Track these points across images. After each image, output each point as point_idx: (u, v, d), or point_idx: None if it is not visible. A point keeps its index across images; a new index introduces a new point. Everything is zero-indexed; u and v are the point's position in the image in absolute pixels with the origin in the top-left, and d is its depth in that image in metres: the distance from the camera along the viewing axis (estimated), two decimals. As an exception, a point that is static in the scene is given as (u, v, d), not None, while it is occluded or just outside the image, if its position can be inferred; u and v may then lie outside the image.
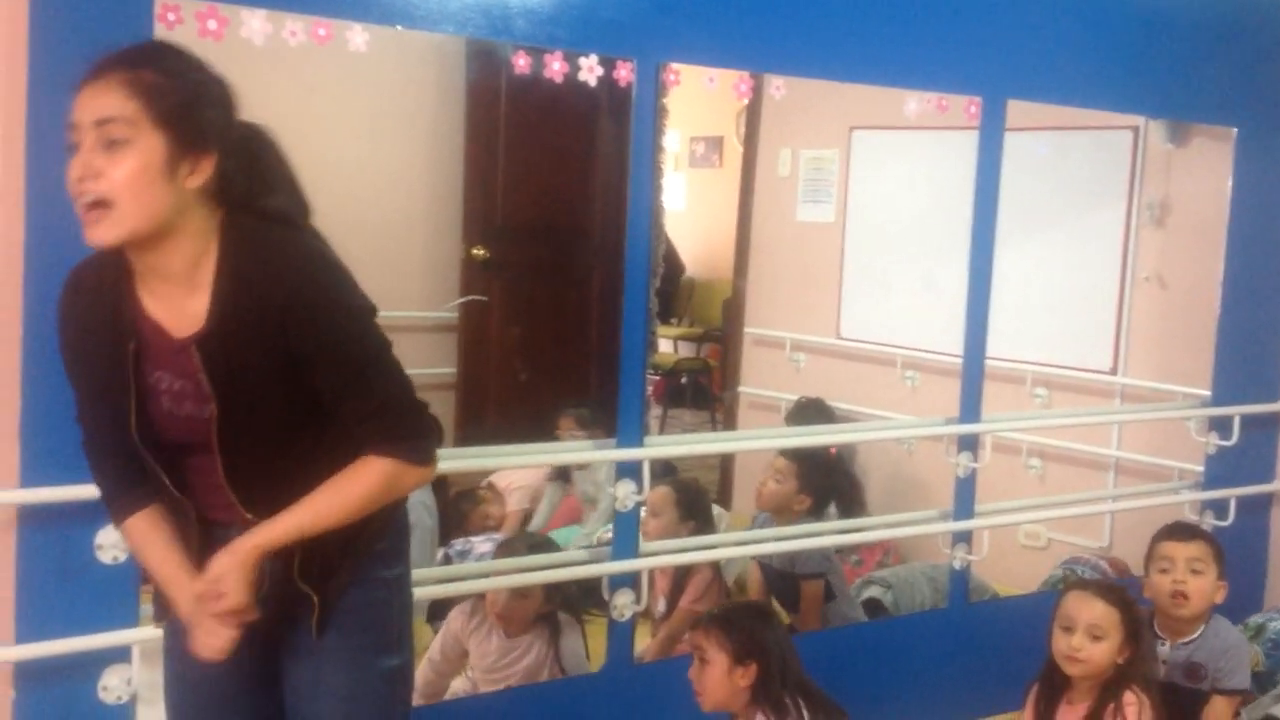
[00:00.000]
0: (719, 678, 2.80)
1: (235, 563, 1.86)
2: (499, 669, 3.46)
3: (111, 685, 2.53)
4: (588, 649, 3.55)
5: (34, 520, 2.44)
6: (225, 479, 1.92)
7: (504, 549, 3.60)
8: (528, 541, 3.65)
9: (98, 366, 1.91)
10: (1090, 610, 2.96)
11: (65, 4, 2.38)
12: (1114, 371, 4.89)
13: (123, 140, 1.76)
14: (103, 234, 1.79)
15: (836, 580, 4.08)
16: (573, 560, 3.27)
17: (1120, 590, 3.09)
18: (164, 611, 2.06)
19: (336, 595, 1.99)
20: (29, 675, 2.47)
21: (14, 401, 2.39)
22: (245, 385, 1.86)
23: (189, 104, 1.80)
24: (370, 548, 2.01)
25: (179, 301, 1.87)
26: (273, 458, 1.91)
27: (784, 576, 4.04)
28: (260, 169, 1.92)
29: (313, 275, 1.86)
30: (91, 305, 1.91)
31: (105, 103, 1.76)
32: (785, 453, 4.14)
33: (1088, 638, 2.94)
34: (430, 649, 3.53)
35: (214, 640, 1.89)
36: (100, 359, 1.90)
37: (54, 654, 2.46)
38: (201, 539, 1.98)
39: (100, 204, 1.77)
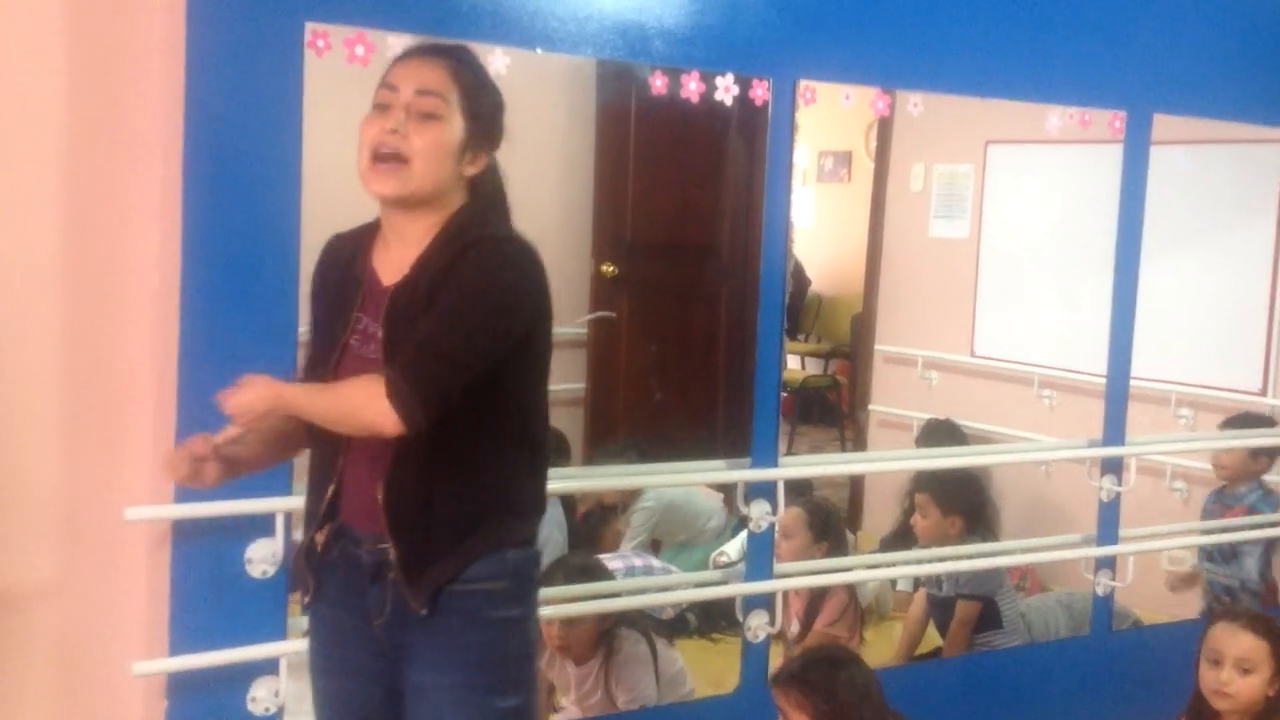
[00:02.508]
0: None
1: (262, 389, 1.92)
2: (583, 699, 3.41)
3: (260, 696, 2.59)
4: (657, 663, 3.43)
5: (187, 535, 2.51)
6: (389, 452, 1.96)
7: (545, 576, 3.50)
8: (564, 568, 3.43)
9: (326, 310, 2.09)
10: (1238, 643, 2.85)
11: (219, 34, 2.45)
12: (1263, 393, 4.72)
13: (435, 115, 1.97)
14: (391, 186, 1.97)
15: (1008, 609, 3.97)
16: (708, 581, 3.26)
17: (1269, 621, 2.97)
18: (303, 584, 2.12)
19: (451, 627, 2.00)
20: (181, 686, 2.54)
21: (170, 420, 2.46)
22: (405, 334, 1.94)
23: (491, 108, 2.06)
24: (482, 584, 2.01)
25: (399, 256, 2.02)
26: (432, 429, 1.91)
27: (944, 601, 3.99)
28: (501, 190, 2.11)
29: (489, 241, 1.98)
30: (334, 262, 2.11)
31: (431, 77, 1.98)
32: (920, 485, 4.08)
33: (1237, 671, 2.84)
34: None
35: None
36: (330, 305, 2.08)
37: (205, 666, 2.53)
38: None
39: (396, 158, 1.95)
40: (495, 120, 2.07)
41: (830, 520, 4.10)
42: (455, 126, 1.99)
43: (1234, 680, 2.84)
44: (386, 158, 1.95)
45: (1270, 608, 4.20)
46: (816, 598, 3.88)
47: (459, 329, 1.92)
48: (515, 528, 2.06)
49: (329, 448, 2.05)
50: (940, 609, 4.04)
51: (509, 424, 2.03)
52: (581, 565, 3.48)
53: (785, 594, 3.28)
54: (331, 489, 2.04)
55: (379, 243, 2.07)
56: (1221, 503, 4.37)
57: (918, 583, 4.26)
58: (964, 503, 4.08)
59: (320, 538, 2.07)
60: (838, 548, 4.05)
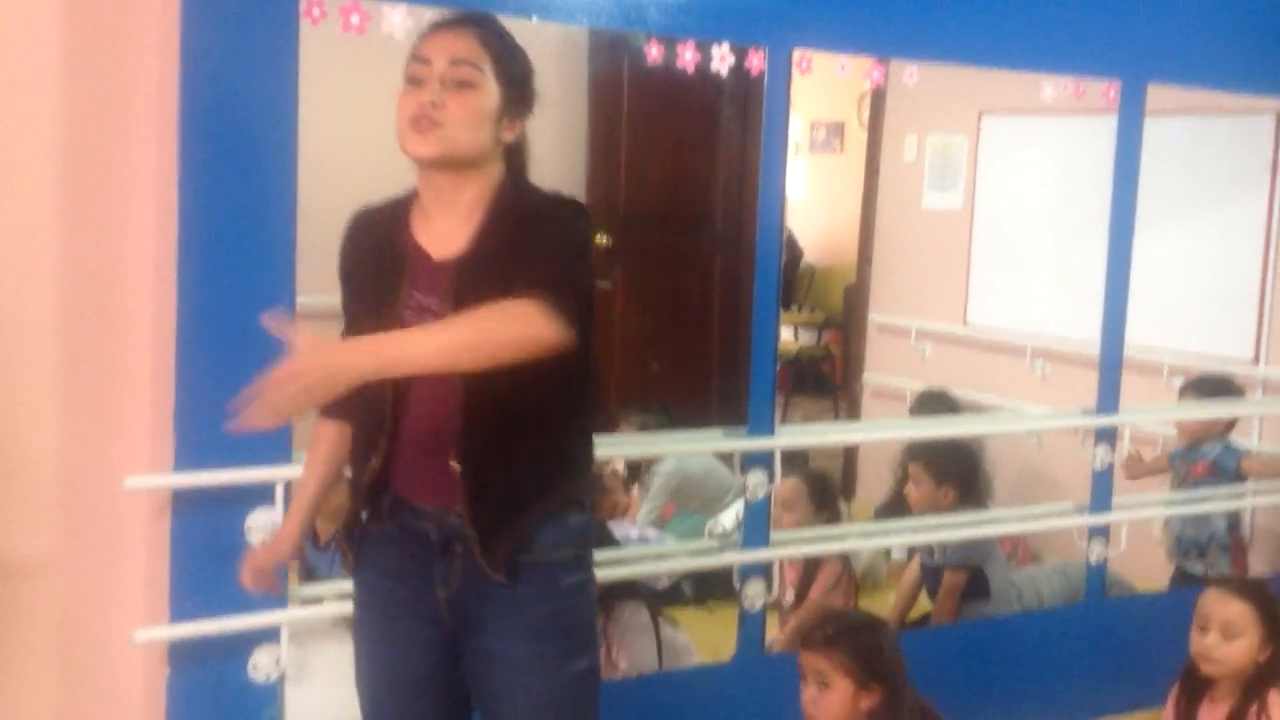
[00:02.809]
0: (843, 703, 2.54)
1: (309, 354, 1.78)
2: None
3: (261, 664, 2.61)
4: (658, 632, 3.46)
5: (187, 504, 2.52)
6: (460, 401, 1.94)
7: None
8: None
9: (366, 285, 2.07)
10: (1225, 609, 2.88)
11: (214, 5, 2.45)
12: (1255, 361, 4.74)
13: (469, 83, 1.98)
14: (427, 147, 1.97)
15: (997, 579, 3.99)
16: (705, 550, 3.28)
17: (1259, 585, 3.00)
18: (347, 560, 2.15)
19: (525, 597, 2.02)
20: (182, 654, 2.56)
21: (169, 390, 2.47)
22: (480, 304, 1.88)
23: (523, 73, 2.07)
24: (551, 553, 2.04)
25: (445, 229, 2.02)
26: (503, 391, 1.89)
27: (935, 569, 4.03)
28: (526, 157, 2.13)
29: (555, 205, 2.04)
30: (368, 235, 2.10)
31: (462, 46, 1.99)
32: (913, 454, 4.10)
33: (1222, 636, 2.87)
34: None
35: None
36: (369, 279, 2.07)
37: (206, 634, 2.54)
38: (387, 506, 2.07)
39: (432, 122, 1.96)
40: (528, 86, 2.08)
41: (828, 490, 4.14)
42: (491, 93, 2.00)
43: (1220, 645, 2.86)
44: (423, 121, 1.96)
45: (1237, 565, 4.25)
46: (812, 567, 3.90)
47: (559, 258, 1.92)
48: (577, 487, 2.09)
49: (371, 425, 2.04)
50: (931, 577, 4.07)
51: (575, 379, 2.02)
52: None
53: (780, 563, 3.30)
54: (376, 462, 2.04)
55: (417, 215, 2.06)
56: (1187, 459, 4.41)
57: (912, 551, 4.29)
58: (957, 472, 4.11)
59: (365, 511, 2.09)
60: (834, 518, 4.08)
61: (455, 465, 1.97)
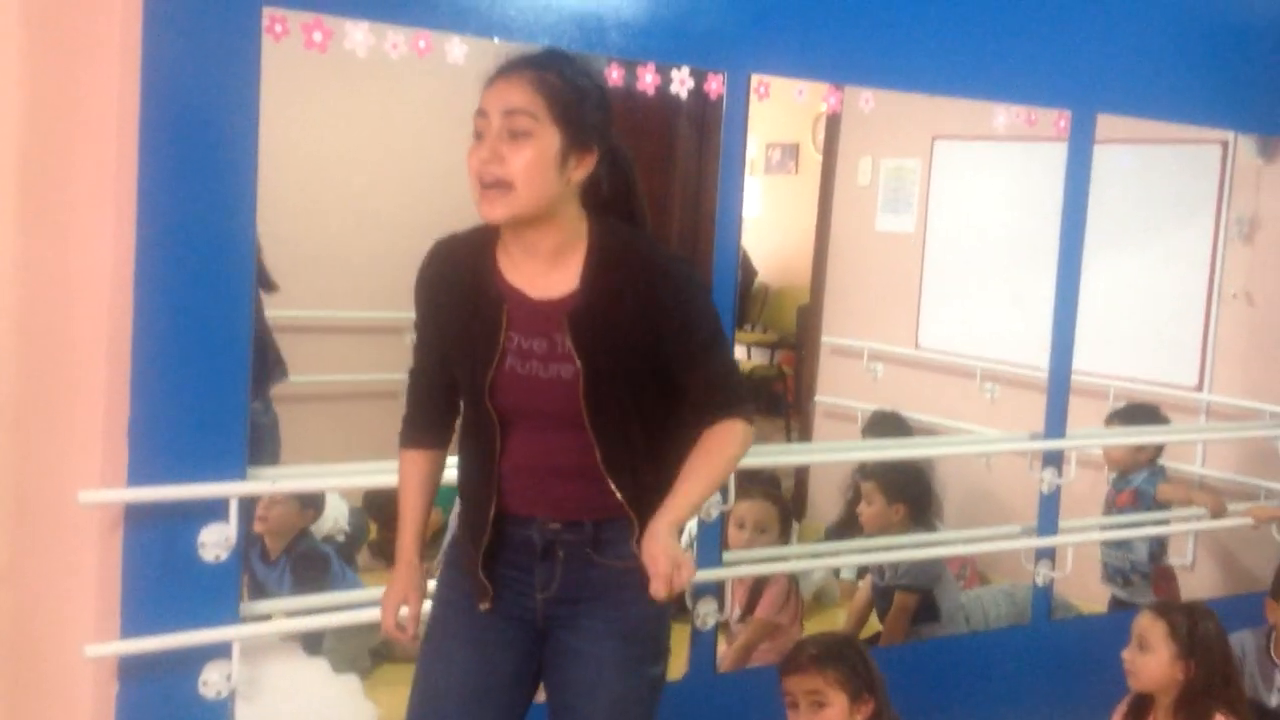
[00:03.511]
0: (841, 718, 2.65)
1: (663, 543, 1.98)
2: None
3: (211, 680, 2.59)
4: None
5: (140, 518, 2.50)
6: (599, 452, 2.09)
7: None
8: None
9: (459, 321, 2.13)
10: (1139, 623, 3.00)
11: (176, 19, 2.44)
12: (1200, 388, 4.83)
13: (525, 132, 2.00)
14: (499, 212, 2.01)
15: (946, 602, 4.05)
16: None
17: (1183, 607, 3.09)
18: (484, 593, 2.19)
19: (622, 600, 2.14)
20: (132, 669, 2.54)
21: (124, 404, 2.46)
22: (606, 349, 2.06)
23: (581, 105, 2.05)
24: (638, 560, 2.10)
25: (541, 274, 2.09)
26: (634, 428, 2.11)
27: (885, 590, 4.06)
28: (629, 180, 2.18)
29: (673, 263, 2.14)
30: (454, 271, 2.14)
31: (514, 96, 2.01)
32: (866, 473, 4.14)
33: (1137, 649, 2.98)
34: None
35: None
36: (463, 314, 2.12)
37: (157, 649, 2.52)
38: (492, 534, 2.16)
39: (500, 184, 2.00)
40: (589, 114, 2.06)
41: (788, 513, 4.19)
42: (549, 139, 2.01)
43: (1135, 657, 2.97)
44: (490, 185, 2.00)
45: (1160, 592, 4.32)
46: (759, 585, 3.93)
47: (716, 332, 2.14)
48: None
49: (485, 465, 2.15)
50: (882, 597, 4.11)
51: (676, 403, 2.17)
52: None
53: (732, 582, 3.32)
54: (493, 509, 2.15)
55: (503, 255, 2.12)
56: (1115, 488, 4.50)
57: (862, 572, 4.33)
58: (909, 491, 4.16)
59: (485, 542, 2.17)
60: (786, 538, 4.11)
61: (611, 484, 2.10)
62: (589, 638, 2.15)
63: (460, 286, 2.12)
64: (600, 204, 2.13)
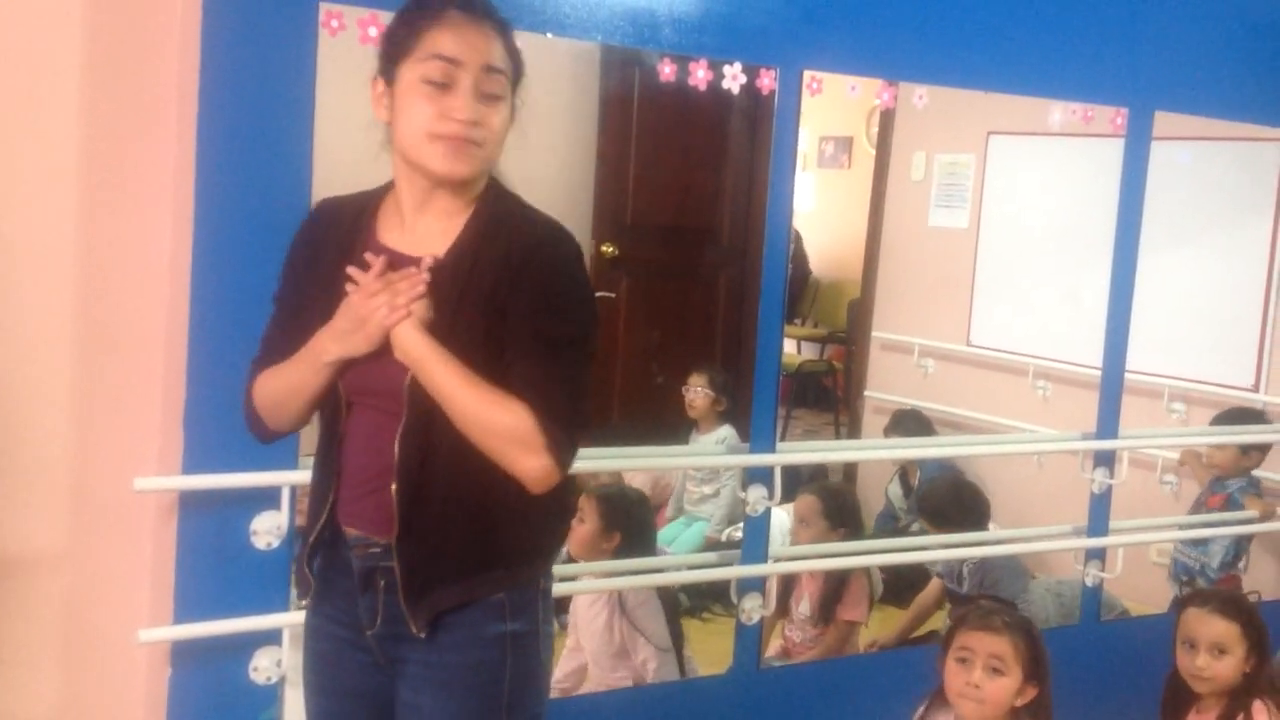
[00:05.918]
0: (1010, 692, 2.57)
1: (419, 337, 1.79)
2: (589, 635, 3.48)
3: (262, 666, 2.63)
4: (666, 602, 3.52)
5: (194, 506, 2.55)
6: (401, 430, 1.82)
7: None
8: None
9: (319, 278, 1.91)
10: (1212, 628, 2.92)
11: (234, 15, 2.48)
12: (1256, 389, 4.76)
13: (497, 96, 1.84)
14: (467, 168, 1.84)
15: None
16: (704, 563, 3.30)
17: (1239, 601, 3.05)
18: (305, 586, 1.99)
19: (444, 646, 1.86)
20: (185, 654, 2.58)
21: (180, 393, 2.50)
22: (450, 316, 1.82)
23: (521, 70, 1.91)
24: (485, 594, 1.86)
25: (422, 234, 1.89)
26: (451, 433, 1.81)
27: (965, 599, 4.01)
28: None
29: (560, 243, 1.89)
30: (326, 231, 1.95)
31: (494, 53, 1.85)
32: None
33: (1212, 655, 2.91)
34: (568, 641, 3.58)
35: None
36: (324, 272, 1.90)
37: (209, 635, 2.57)
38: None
39: (472, 143, 1.83)
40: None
41: (845, 506, 4.10)
42: (508, 106, 1.87)
43: (1210, 664, 2.91)
44: (465, 141, 1.82)
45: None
46: (835, 583, 3.90)
47: (568, 338, 1.83)
48: (534, 568, 1.92)
49: (330, 438, 1.91)
50: (960, 606, 4.03)
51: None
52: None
53: (786, 577, 3.31)
54: (332, 493, 1.91)
55: (389, 212, 1.92)
56: (1211, 489, 4.46)
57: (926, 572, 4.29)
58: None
59: (314, 538, 1.93)
60: (854, 533, 4.06)
61: (392, 491, 1.82)
62: (418, 689, 1.87)
63: (334, 246, 1.91)
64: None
